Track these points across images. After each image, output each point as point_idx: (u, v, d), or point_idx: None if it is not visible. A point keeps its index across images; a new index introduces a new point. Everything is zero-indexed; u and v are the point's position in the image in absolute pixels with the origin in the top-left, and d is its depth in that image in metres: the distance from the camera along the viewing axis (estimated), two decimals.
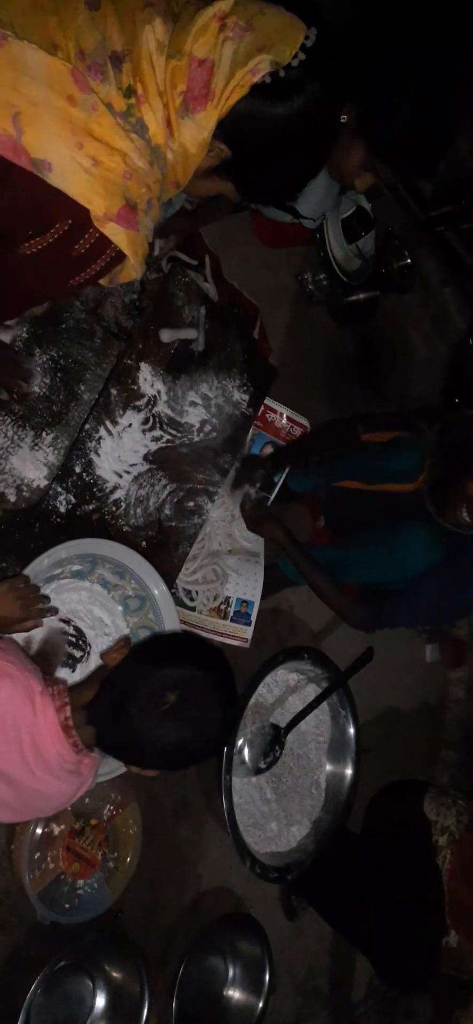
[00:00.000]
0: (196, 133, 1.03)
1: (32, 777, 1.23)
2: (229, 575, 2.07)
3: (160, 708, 1.19)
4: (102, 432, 1.71)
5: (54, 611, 1.60)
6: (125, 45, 1.00)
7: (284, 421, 2.19)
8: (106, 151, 0.97)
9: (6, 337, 1.57)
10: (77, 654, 1.74)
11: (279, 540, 1.97)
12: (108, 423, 1.72)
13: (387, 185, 1.94)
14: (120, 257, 1.05)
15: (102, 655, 1.34)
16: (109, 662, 1.32)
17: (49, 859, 1.75)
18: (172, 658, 1.27)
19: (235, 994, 2.21)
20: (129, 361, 1.74)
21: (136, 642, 1.41)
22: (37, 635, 1.64)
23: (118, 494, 1.75)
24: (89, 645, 1.76)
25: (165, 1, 1.04)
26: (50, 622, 1.68)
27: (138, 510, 1.79)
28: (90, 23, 0.99)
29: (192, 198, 1.90)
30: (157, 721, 1.19)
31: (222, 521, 2.08)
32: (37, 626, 1.51)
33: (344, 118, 1.54)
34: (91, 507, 1.70)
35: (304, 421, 2.23)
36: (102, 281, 1.10)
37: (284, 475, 2.20)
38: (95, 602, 1.77)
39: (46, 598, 1.53)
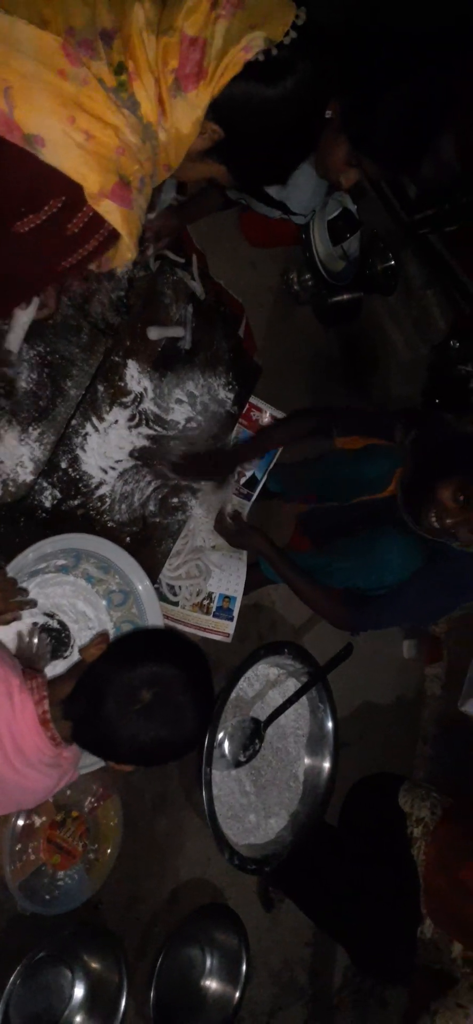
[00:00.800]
0: (189, 112, 1.02)
1: (13, 771, 1.24)
2: (212, 571, 2.08)
3: (135, 706, 1.20)
4: (88, 428, 1.71)
5: (33, 604, 1.60)
6: (114, 23, 0.99)
7: (268, 419, 2.21)
8: (99, 125, 0.96)
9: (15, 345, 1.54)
10: (60, 648, 1.75)
11: (261, 550, 2.00)
12: (94, 419, 1.72)
13: (372, 181, 1.95)
14: (111, 239, 1.04)
15: (80, 650, 1.34)
16: (87, 657, 1.32)
17: (30, 850, 1.76)
18: (148, 655, 1.27)
19: (212, 984, 2.24)
20: (116, 358, 1.75)
21: (114, 638, 1.41)
22: (14, 629, 1.63)
23: (103, 490, 1.76)
24: (73, 639, 1.77)
25: None
26: (33, 616, 1.69)
27: (123, 506, 1.80)
28: (79, 1, 0.98)
29: (181, 192, 1.91)
30: (132, 718, 1.20)
31: (206, 517, 2.09)
32: (16, 619, 1.51)
33: (329, 113, 1.55)
34: (76, 502, 1.71)
35: None
36: (92, 266, 1.09)
37: (264, 478, 2.22)
38: (79, 596, 1.78)
39: (24, 591, 1.53)
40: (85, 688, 1.27)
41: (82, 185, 0.96)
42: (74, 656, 1.77)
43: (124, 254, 1.07)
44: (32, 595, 1.64)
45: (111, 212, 1.00)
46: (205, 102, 1.01)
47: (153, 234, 1.78)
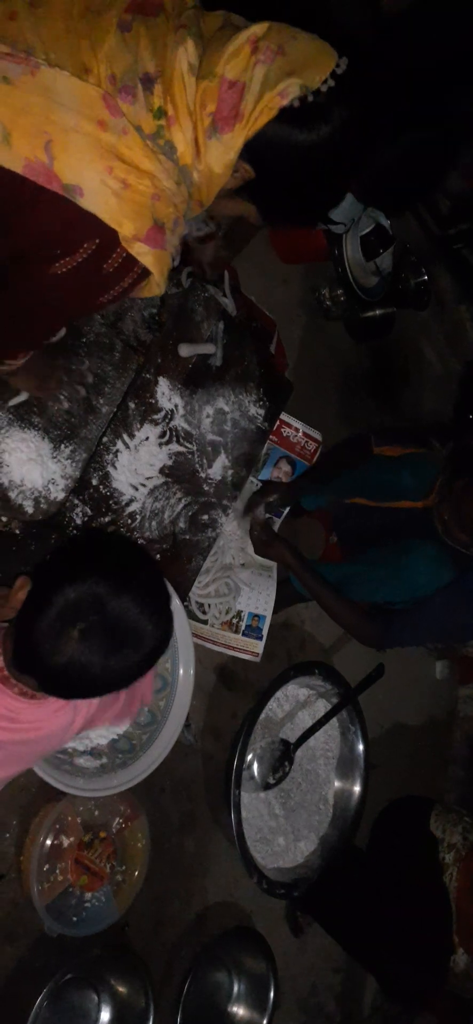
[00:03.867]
0: (223, 153, 1.03)
1: (4, 731, 1.17)
2: (241, 589, 2.06)
3: (70, 645, 1.06)
4: (119, 445, 1.71)
5: None
6: (157, 66, 1.01)
7: (299, 436, 2.19)
8: (135, 174, 0.99)
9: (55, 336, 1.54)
10: None
11: (288, 562, 1.97)
12: (125, 436, 1.72)
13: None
14: (145, 274, 1.06)
15: (8, 598, 1.16)
16: (16, 605, 1.16)
17: (58, 871, 1.75)
18: (59, 583, 1.10)
19: (239, 1010, 2.20)
20: (147, 375, 1.75)
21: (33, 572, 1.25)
22: None
23: (134, 507, 1.75)
24: None
25: (196, 23, 1.05)
26: None
27: (153, 523, 1.79)
28: (122, 45, 1.00)
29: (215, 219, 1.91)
30: (78, 656, 1.07)
31: (235, 535, 2.08)
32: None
33: None
34: (107, 519, 1.70)
35: (318, 436, 2.22)
36: None
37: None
38: None
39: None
40: (21, 644, 1.14)
41: (117, 230, 0.99)
42: None
43: (153, 289, 1.10)
44: None
45: (144, 255, 1.03)
46: (239, 144, 1.03)
47: (208, 267, 1.79)
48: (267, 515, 2.07)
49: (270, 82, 0.99)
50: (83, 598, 1.07)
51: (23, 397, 1.53)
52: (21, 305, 1.10)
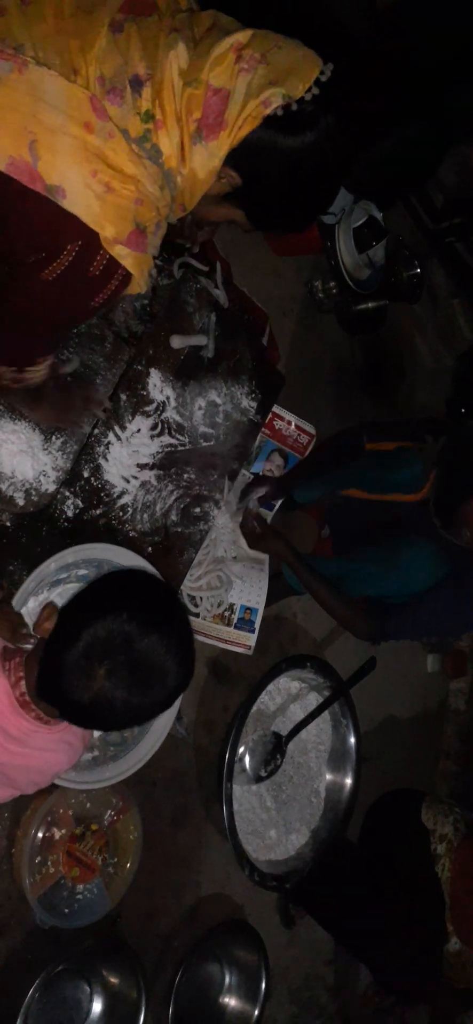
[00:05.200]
0: (207, 160, 1.04)
1: (9, 755, 1.18)
2: (233, 582, 2.06)
3: (96, 683, 1.06)
4: (111, 437, 1.70)
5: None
6: (147, 69, 1.01)
7: (292, 428, 2.19)
8: (119, 178, 1.00)
9: (69, 367, 1.58)
10: None
11: (282, 555, 1.97)
12: (117, 428, 1.71)
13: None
14: (129, 276, 1.07)
15: (34, 628, 1.18)
16: (42, 634, 1.17)
17: (49, 863, 1.74)
18: (88, 620, 1.09)
19: (231, 1001, 2.21)
20: (139, 367, 1.74)
21: (62, 605, 1.26)
22: None
23: (125, 499, 1.74)
24: None
25: (188, 27, 1.05)
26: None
27: (145, 515, 1.79)
28: (112, 46, 1.00)
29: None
30: (102, 693, 1.06)
31: (227, 527, 2.07)
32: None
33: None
34: (98, 512, 1.70)
35: (311, 429, 2.23)
36: None
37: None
38: None
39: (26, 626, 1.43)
40: (46, 676, 1.14)
41: (99, 232, 1.00)
42: None
43: (134, 289, 1.10)
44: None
45: (124, 256, 1.04)
46: (224, 151, 1.03)
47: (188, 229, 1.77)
48: (259, 508, 2.08)
49: (253, 91, 0.99)
50: (112, 636, 1.07)
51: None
52: (11, 311, 1.10)
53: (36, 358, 1.23)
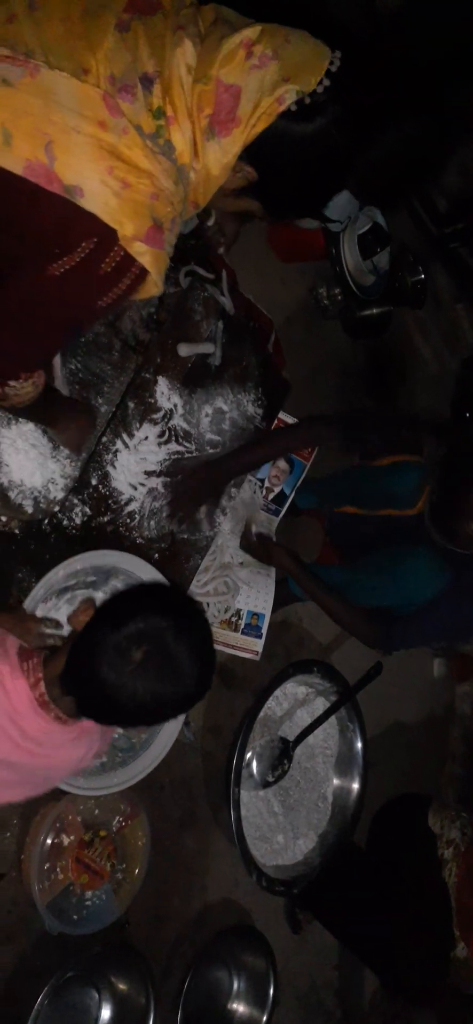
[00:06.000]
0: (220, 156, 1.05)
1: (29, 755, 1.20)
2: (240, 587, 2.07)
3: (129, 667, 1.13)
4: (119, 445, 1.71)
5: (59, 627, 1.55)
6: (155, 67, 1.02)
7: None
8: (135, 173, 1.00)
9: (65, 389, 1.59)
10: None
11: (287, 567, 1.98)
12: (125, 436, 1.72)
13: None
14: (142, 276, 1.07)
15: (69, 619, 1.24)
16: (76, 626, 1.23)
17: (58, 870, 1.75)
18: (135, 612, 1.18)
19: (239, 1007, 2.21)
20: (147, 375, 1.75)
21: (101, 602, 1.32)
22: None
23: (133, 506, 1.75)
24: None
25: (194, 23, 1.06)
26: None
27: (152, 522, 1.79)
28: (120, 45, 1.01)
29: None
30: (129, 679, 1.13)
31: (234, 534, 2.08)
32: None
33: None
34: (106, 519, 1.70)
35: None
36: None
37: (292, 494, 2.20)
38: None
39: (51, 621, 1.52)
40: (78, 658, 1.20)
41: (116, 230, 1.00)
42: None
43: (150, 290, 1.10)
44: (62, 612, 1.63)
45: (143, 254, 1.03)
46: (237, 148, 1.04)
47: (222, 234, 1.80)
48: (261, 527, 2.08)
49: (266, 88, 1.00)
50: (151, 630, 1.15)
51: None
52: (19, 308, 1.09)
53: (23, 370, 1.14)
